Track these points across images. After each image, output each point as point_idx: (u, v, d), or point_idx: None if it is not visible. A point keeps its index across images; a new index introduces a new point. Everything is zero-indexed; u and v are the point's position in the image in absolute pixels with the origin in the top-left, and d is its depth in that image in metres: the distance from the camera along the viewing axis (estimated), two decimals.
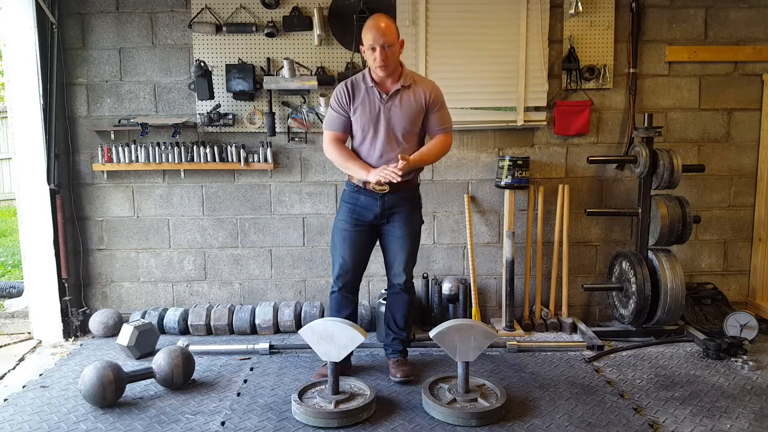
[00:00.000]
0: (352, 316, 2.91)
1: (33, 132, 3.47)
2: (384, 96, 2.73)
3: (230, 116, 3.61)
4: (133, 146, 3.59)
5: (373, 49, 2.63)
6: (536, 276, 3.80)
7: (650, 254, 3.54)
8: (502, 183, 3.58)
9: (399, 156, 2.64)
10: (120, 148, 3.60)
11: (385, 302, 3.45)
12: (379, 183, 2.67)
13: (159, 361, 2.80)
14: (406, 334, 3.02)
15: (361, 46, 2.72)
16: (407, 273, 2.92)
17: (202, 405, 2.70)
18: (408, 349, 3.09)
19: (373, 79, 2.75)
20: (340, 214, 2.88)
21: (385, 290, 3.69)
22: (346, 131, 2.82)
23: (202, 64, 3.48)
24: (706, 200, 3.84)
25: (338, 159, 2.79)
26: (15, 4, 3.38)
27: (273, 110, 3.59)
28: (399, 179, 2.60)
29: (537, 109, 3.66)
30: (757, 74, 3.74)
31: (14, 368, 3.21)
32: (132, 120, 3.63)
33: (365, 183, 2.77)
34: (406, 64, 3.59)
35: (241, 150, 3.61)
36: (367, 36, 2.64)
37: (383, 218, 2.83)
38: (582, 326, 3.63)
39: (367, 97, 2.75)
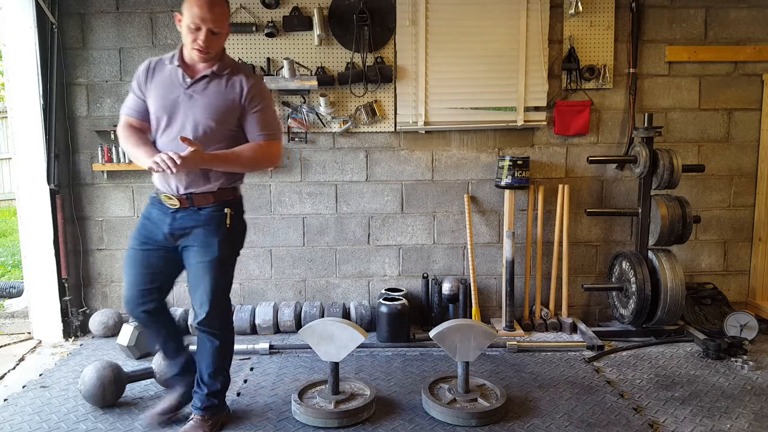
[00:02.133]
0: (171, 337, 2.45)
1: (33, 132, 3.47)
2: (187, 80, 2.21)
3: None
4: None
5: (197, 29, 2.11)
6: (536, 276, 3.80)
7: (650, 254, 3.54)
8: (502, 183, 3.58)
9: (181, 138, 2.10)
10: (120, 148, 3.59)
11: (385, 302, 3.46)
12: (158, 168, 2.05)
13: (159, 361, 2.80)
14: (218, 385, 2.42)
15: (177, 15, 2.17)
16: (206, 311, 2.29)
17: None
18: (217, 403, 2.43)
19: (182, 59, 2.23)
20: (135, 228, 2.36)
21: (385, 290, 3.70)
22: (143, 117, 2.28)
23: None
24: (706, 200, 3.84)
25: (127, 144, 2.24)
26: (15, 4, 3.38)
27: None
28: (174, 169, 2.02)
29: (537, 109, 3.66)
30: (757, 74, 3.74)
31: (14, 368, 3.21)
32: None
33: (159, 193, 2.29)
34: (406, 64, 3.64)
35: None
36: (194, 11, 2.09)
37: (175, 240, 2.29)
38: (582, 326, 3.63)
39: (168, 78, 2.22)
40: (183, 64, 2.22)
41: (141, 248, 2.31)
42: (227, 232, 2.32)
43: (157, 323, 2.40)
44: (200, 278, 2.28)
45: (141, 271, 2.31)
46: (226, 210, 2.31)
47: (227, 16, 2.19)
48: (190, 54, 2.18)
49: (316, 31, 3.49)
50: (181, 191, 2.24)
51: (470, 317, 3.65)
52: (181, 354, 2.50)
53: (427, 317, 3.75)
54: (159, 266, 2.32)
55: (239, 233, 2.45)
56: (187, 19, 2.11)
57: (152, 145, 2.24)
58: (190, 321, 3.57)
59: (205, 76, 2.21)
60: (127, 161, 3.60)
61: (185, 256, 2.31)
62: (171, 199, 2.25)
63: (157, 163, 2.04)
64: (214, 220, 2.29)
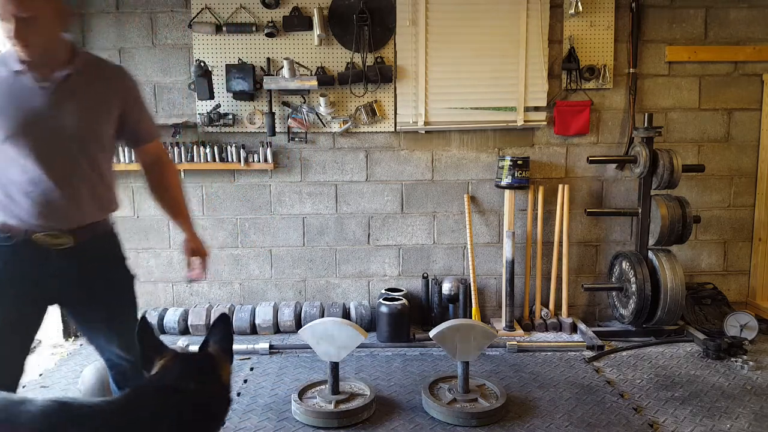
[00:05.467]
0: None
1: None
2: (46, 84, 1.66)
3: (230, 116, 3.61)
4: None
5: (2, 18, 1.55)
6: (536, 276, 3.80)
7: (650, 254, 3.54)
8: (502, 183, 3.58)
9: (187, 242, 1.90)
10: (120, 148, 3.59)
11: (385, 302, 3.46)
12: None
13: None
14: None
15: None
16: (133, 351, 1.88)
17: None
18: None
19: (22, 60, 1.64)
20: None
21: (385, 290, 3.70)
22: None
23: (202, 64, 3.48)
24: (706, 200, 3.84)
25: None
26: None
27: (273, 110, 3.59)
28: None
29: (537, 109, 3.66)
30: (757, 74, 3.74)
31: None
32: None
33: (26, 230, 1.68)
34: (406, 64, 3.63)
35: (241, 150, 3.61)
36: None
37: (63, 289, 1.77)
38: (582, 326, 3.63)
39: (11, 86, 1.65)
40: (28, 65, 1.64)
41: (19, 306, 1.71)
42: (124, 257, 1.93)
43: None
44: (125, 319, 1.86)
45: (27, 334, 1.77)
46: (118, 236, 1.91)
47: None
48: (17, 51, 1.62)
49: (316, 31, 3.49)
50: (73, 224, 1.70)
51: (470, 317, 3.65)
52: None
53: (427, 317, 3.75)
54: (34, 327, 1.79)
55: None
56: None
57: None
58: (190, 321, 3.57)
59: (68, 76, 1.69)
60: (127, 161, 3.59)
61: (89, 308, 1.82)
62: (58, 237, 1.70)
63: None
64: (115, 245, 1.89)
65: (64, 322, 3.62)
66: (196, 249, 2.07)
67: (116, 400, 1.32)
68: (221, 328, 1.52)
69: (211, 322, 3.57)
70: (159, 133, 1.98)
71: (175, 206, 2.00)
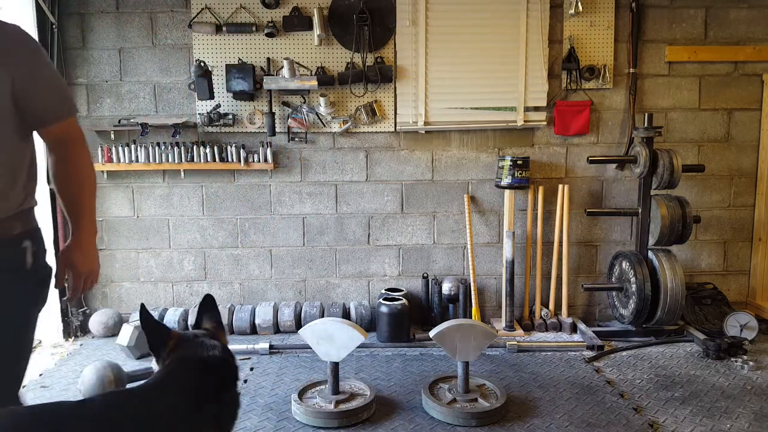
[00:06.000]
0: None
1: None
2: None
3: (230, 116, 3.61)
4: (133, 146, 3.59)
5: None
6: (536, 276, 3.80)
7: (650, 254, 3.54)
8: (503, 183, 3.58)
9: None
10: (120, 148, 3.59)
11: (385, 302, 3.46)
12: None
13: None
14: None
15: None
16: None
17: None
18: None
19: None
20: None
21: (385, 290, 3.70)
22: None
23: (202, 64, 3.48)
24: (706, 200, 3.84)
25: None
26: (15, 4, 3.38)
27: (273, 110, 3.59)
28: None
29: (537, 109, 3.66)
30: (757, 74, 3.74)
31: None
32: (132, 120, 3.63)
33: None
34: (406, 64, 3.64)
35: (241, 150, 3.61)
36: None
37: None
38: (582, 326, 3.63)
39: None
40: None
41: None
42: (32, 275, 1.57)
43: None
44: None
45: None
46: (24, 244, 1.52)
47: None
48: None
49: (316, 31, 3.49)
50: None
51: (470, 317, 3.65)
52: None
53: (427, 317, 3.75)
54: None
55: (43, 281, 1.56)
56: None
57: None
58: (190, 321, 3.57)
59: None
60: (127, 161, 3.59)
61: None
62: None
63: None
64: (12, 259, 1.51)
65: (64, 321, 3.62)
66: (78, 261, 1.61)
67: (153, 379, 1.50)
68: (208, 306, 1.76)
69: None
70: (69, 112, 1.57)
71: (73, 200, 1.59)
